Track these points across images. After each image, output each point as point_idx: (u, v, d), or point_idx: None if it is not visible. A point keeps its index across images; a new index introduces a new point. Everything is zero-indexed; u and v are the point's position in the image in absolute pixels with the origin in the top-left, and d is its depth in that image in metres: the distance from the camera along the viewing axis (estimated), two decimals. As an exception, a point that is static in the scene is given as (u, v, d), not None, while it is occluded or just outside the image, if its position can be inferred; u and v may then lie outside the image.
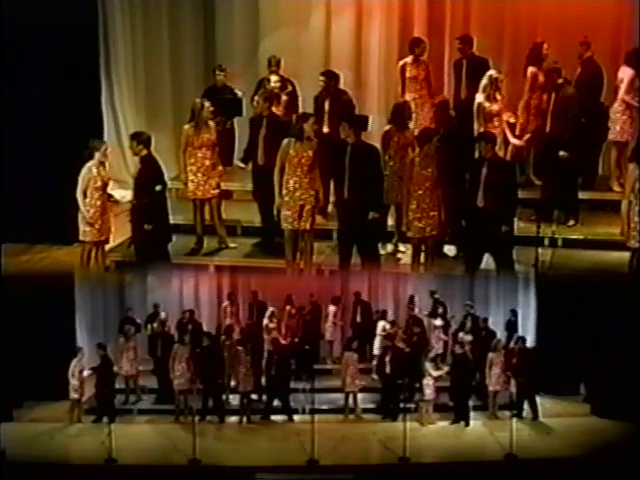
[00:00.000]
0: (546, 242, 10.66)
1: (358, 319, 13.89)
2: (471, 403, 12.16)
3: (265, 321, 13.34)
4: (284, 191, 10.32)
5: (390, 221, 11.18)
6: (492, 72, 11.50)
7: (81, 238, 10.66)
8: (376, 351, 13.07)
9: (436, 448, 11.31)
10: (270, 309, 13.51)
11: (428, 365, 12.10)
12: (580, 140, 11.26)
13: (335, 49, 13.46)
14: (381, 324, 13.35)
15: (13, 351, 11.46)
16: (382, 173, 10.39)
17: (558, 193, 11.19)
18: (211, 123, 11.15)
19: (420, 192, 10.10)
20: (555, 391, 12.75)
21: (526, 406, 12.06)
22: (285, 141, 10.32)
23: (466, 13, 13.12)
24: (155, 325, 13.25)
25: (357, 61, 13.49)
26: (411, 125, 11.38)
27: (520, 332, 12.97)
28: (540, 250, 10.27)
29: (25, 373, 11.67)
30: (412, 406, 12.01)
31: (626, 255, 10.13)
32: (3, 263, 11.09)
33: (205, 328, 13.42)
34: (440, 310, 13.67)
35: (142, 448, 11.19)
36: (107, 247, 10.92)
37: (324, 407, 12.12)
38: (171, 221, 10.83)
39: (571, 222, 11.26)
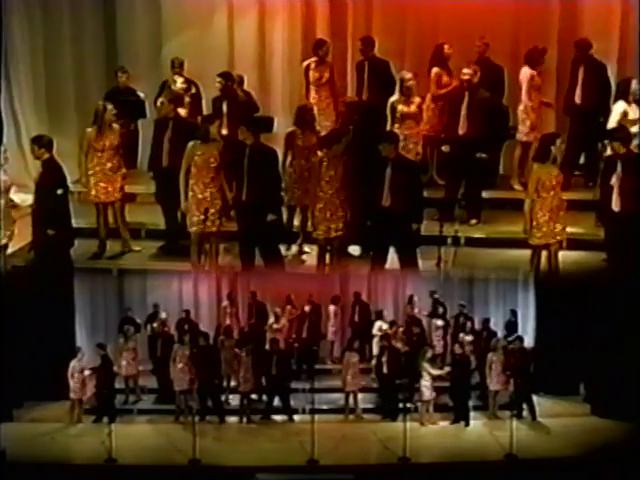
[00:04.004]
0: (449, 241, 10.70)
1: (356, 319, 13.92)
2: (471, 403, 12.18)
3: (270, 320, 13.39)
4: (190, 194, 10.25)
5: (295, 222, 11.17)
6: (402, 73, 11.58)
7: None
8: (375, 351, 13.09)
9: (436, 448, 11.32)
10: (275, 309, 13.56)
11: (426, 365, 12.10)
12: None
13: (239, 50, 13.33)
14: (377, 324, 13.38)
15: (13, 351, 11.47)
16: (280, 175, 10.42)
17: (463, 193, 11.26)
18: (114, 125, 10.94)
19: (328, 193, 10.14)
20: (555, 391, 12.77)
21: (525, 406, 12.08)
22: (190, 144, 10.26)
23: (368, 14, 13.09)
24: (155, 325, 13.26)
25: (261, 62, 13.37)
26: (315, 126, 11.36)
27: (520, 332, 12.98)
28: (443, 249, 10.32)
29: (25, 373, 11.69)
30: (412, 406, 12.03)
31: (527, 253, 10.14)
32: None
33: (205, 328, 13.44)
34: (440, 310, 13.70)
35: (142, 448, 11.19)
36: (8, 252, 10.70)
37: (324, 407, 12.13)
38: (73, 225, 10.61)
39: (473, 221, 11.28)
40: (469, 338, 12.84)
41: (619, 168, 9.77)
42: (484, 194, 11.51)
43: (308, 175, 10.67)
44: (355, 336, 13.49)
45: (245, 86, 12.24)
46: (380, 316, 13.58)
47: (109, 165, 10.85)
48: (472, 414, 12.07)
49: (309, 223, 10.59)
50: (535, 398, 12.31)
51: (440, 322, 13.51)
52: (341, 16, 13.12)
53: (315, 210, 10.24)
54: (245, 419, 12.20)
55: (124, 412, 12.30)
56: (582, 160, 12.07)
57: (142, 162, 12.32)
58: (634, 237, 9.63)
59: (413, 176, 10.00)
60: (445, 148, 11.38)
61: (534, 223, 9.87)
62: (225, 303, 14.23)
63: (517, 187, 11.77)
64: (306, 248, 11.03)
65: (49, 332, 11.99)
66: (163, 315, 13.30)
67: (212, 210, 10.24)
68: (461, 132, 11.17)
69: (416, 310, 13.78)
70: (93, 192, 10.90)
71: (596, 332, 11.86)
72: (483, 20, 12.22)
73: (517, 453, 10.76)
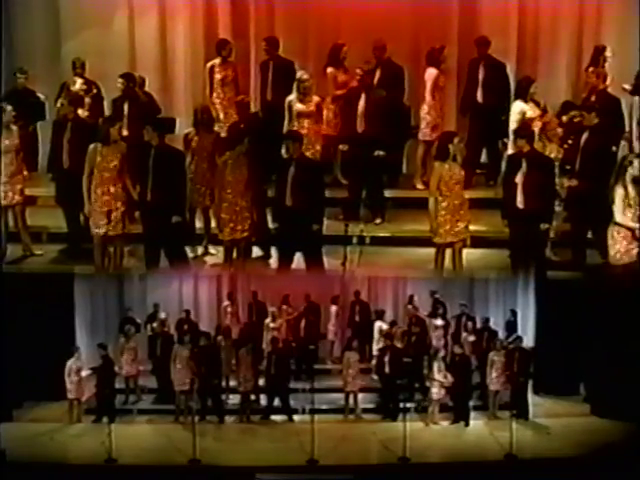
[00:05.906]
0: (354, 240, 10.70)
1: (356, 319, 13.92)
2: (471, 403, 12.18)
3: (267, 320, 13.38)
4: (92, 197, 10.12)
5: (198, 224, 11.08)
6: (299, 73, 11.54)
7: None
8: (375, 351, 13.09)
9: (436, 448, 11.33)
10: (272, 309, 13.56)
11: (436, 365, 12.08)
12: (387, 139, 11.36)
13: (140, 51, 13.12)
14: (377, 324, 13.38)
15: (13, 351, 11.47)
16: (186, 176, 10.32)
17: (366, 192, 11.28)
18: (13, 127, 10.72)
19: (232, 194, 10.12)
20: (555, 391, 12.77)
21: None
22: (92, 146, 10.14)
23: (269, 14, 13.00)
24: (155, 325, 13.26)
25: (163, 63, 13.19)
26: (216, 128, 11.31)
27: (520, 332, 12.98)
28: (349, 248, 10.26)
29: (25, 373, 11.68)
30: (412, 406, 12.03)
31: (432, 251, 10.14)
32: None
33: (205, 328, 13.44)
34: (440, 310, 13.69)
35: (142, 448, 11.19)
36: None
37: (324, 407, 12.12)
38: None
39: (378, 220, 11.30)
40: (472, 338, 12.86)
41: (524, 166, 9.79)
42: (388, 193, 11.53)
43: (209, 176, 10.62)
44: (355, 336, 13.49)
45: (147, 87, 12.11)
46: (380, 316, 13.58)
47: (10, 168, 10.62)
48: (472, 414, 12.08)
49: (213, 224, 10.51)
50: (535, 398, 12.32)
51: (440, 322, 13.50)
52: (243, 16, 13.01)
53: (220, 211, 10.18)
54: (245, 419, 12.21)
55: (124, 412, 12.32)
56: (483, 158, 12.13)
57: (42, 164, 12.04)
58: (538, 233, 9.75)
59: (315, 176, 9.96)
60: (342, 147, 11.42)
61: (438, 221, 9.87)
62: (226, 303, 14.24)
63: (420, 186, 11.78)
64: (212, 250, 10.97)
65: (49, 332, 11.99)
66: (163, 315, 13.31)
67: (115, 213, 10.13)
68: (359, 130, 11.16)
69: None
70: None
71: (596, 332, 11.86)
72: (384, 20, 12.19)
73: (517, 453, 10.75)
